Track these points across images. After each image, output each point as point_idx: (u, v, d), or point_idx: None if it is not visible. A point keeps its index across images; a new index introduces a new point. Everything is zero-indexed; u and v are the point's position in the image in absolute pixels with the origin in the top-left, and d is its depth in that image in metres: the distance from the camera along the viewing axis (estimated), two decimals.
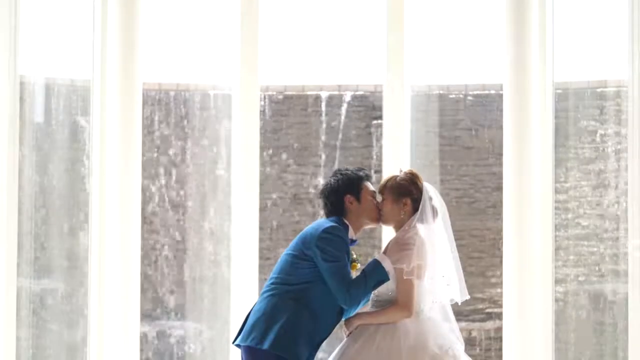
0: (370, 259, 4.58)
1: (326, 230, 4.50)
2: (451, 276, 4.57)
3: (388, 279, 4.48)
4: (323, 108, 8.84)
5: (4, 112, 7.16)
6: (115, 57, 7.58)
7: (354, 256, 4.64)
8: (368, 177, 4.69)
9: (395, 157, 7.59)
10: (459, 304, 4.61)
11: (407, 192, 4.60)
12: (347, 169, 4.70)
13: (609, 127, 7.72)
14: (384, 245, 5.27)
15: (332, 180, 4.66)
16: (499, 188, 7.73)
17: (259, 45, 7.85)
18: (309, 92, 8.91)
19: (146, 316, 8.09)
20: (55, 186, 7.81)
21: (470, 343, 8.09)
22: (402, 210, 4.60)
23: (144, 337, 8.04)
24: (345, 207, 4.62)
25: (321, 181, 8.52)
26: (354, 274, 4.58)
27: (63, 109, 7.77)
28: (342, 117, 8.83)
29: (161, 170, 8.55)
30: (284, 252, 4.62)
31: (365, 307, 4.60)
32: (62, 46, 7.78)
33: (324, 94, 8.90)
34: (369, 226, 4.74)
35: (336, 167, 8.55)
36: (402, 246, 4.49)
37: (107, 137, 7.55)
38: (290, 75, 8.97)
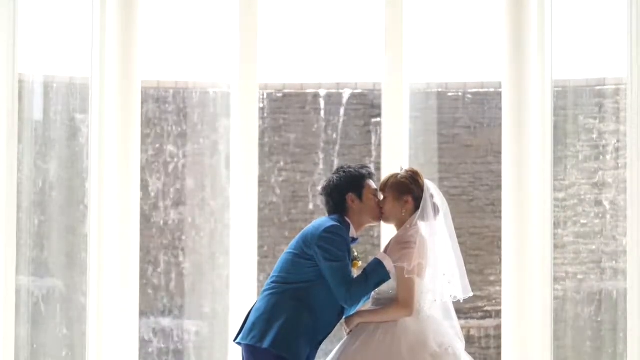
0: (371, 258, 4.58)
1: (327, 230, 4.49)
2: (453, 274, 4.57)
3: (389, 278, 4.48)
4: (322, 106, 8.84)
5: (2, 109, 7.15)
6: (114, 55, 7.58)
7: (355, 254, 4.63)
8: (371, 175, 4.67)
9: (394, 155, 7.59)
10: (461, 301, 4.61)
11: (408, 190, 4.59)
12: (349, 167, 4.68)
13: (608, 125, 7.73)
14: (383, 244, 5.27)
15: (335, 177, 4.64)
16: (498, 186, 7.74)
17: (257, 43, 7.85)
18: (307, 90, 8.91)
19: (145, 314, 8.09)
20: (54, 184, 7.80)
21: (469, 341, 8.09)
22: (404, 208, 4.59)
23: (142, 335, 8.03)
24: (347, 205, 4.61)
25: (320, 179, 8.52)
26: (355, 272, 4.58)
27: (62, 107, 7.77)
28: (341, 115, 8.83)
29: (160, 168, 8.55)
30: (284, 251, 4.62)
31: (365, 305, 4.61)
32: (61, 44, 7.77)
33: (322, 92, 8.90)
34: (370, 224, 4.73)
35: (335, 165, 8.55)
36: (403, 245, 4.49)
37: (105, 135, 7.54)
38: (289, 73, 8.98)
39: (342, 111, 8.82)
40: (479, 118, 8.61)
